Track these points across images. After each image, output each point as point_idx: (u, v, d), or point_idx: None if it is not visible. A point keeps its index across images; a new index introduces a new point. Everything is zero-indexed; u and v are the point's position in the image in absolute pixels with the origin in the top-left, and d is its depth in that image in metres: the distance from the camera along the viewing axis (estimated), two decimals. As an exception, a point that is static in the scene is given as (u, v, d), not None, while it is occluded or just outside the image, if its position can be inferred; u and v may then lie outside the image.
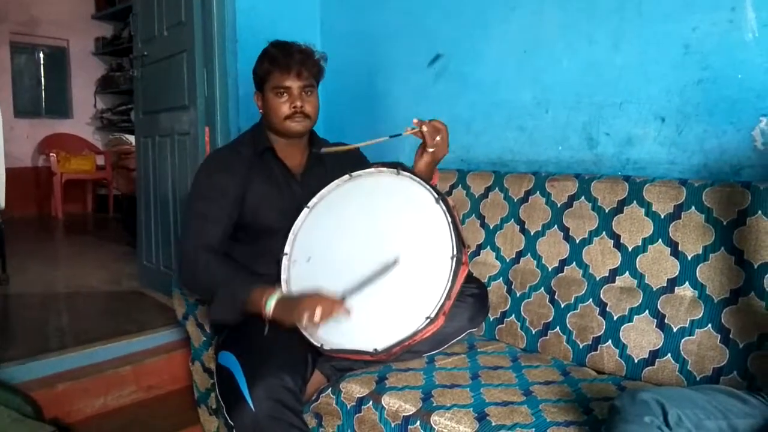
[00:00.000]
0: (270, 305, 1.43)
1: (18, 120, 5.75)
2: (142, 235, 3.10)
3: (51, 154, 5.65)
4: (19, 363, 1.99)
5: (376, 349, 1.42)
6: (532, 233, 1.83)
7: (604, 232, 1.68)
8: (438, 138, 1.57)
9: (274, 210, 1.65)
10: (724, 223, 1.49)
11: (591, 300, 1.66)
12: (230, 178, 1.62)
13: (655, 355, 1.52)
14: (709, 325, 1.46)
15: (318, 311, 1.35)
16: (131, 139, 4.98)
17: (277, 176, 1.69)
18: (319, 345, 1.47)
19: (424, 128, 1.57)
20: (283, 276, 1.56)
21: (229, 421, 1.35)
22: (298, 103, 1.63)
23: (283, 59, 1.61)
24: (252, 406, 1.31)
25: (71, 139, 6.10)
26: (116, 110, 6.12)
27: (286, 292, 1.50)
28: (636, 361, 1.54)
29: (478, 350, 1.71)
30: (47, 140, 5.94)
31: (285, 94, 1.63)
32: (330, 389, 1.52)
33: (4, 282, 3.05)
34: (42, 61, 6.11)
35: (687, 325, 1.49)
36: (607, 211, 1.68)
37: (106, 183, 6.02)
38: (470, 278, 1.73)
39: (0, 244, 3.10)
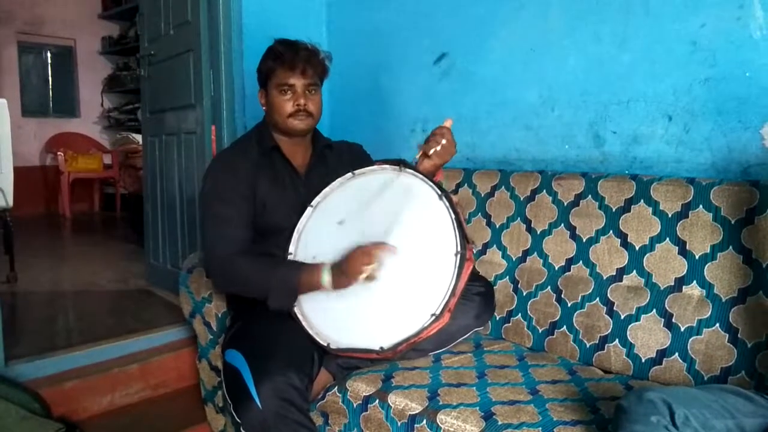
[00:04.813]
0: (326, 279, 1.46)
1: (26, 119, 5.79)
2: (149, 233, 3.11)
3: (58, 153, 5.67)
4: (28, 361, 2.00)
5: (382, 347, 1.42)
6: (538, 232, 1.83)
7: (611, 231, 1.68)
8: (444, 141, 1.56)
9: (281, 209, 1.65)
10: (732, 221, 1.48)
11: (598, 299, 1.66)
12: (240, 180, 1.62)
13: (662, 354, 1.51)
14: (717, 325, 1.45)
15: (370, 266, 1.41)
16: (138, 138, 5.00)
17: (282, 175, 1.69)
18: (325, 344, 1.47)
19: (425, 148, 1.57)
20: None
21: (237, 419, 1.35)
22: (302, 101, 1.63)
23: (289, 57, 1.61)
24: (259, 404, 1.31)
25: (78, 138, 6.12)
26: (123, 109, 6.14)
27: (327, 260, 1.51)
28: (643, 360, 1.54)
29: (485, 349, 1.71)
30: (54, 139, 5.97)
31: (289, 92, 1.64)
32: (336, 388, 1.52)
33: (13, 280, 3.06)
34: (49, 61, 6.13)
35: (694, 325, 1.48)
36: (614, 209, 1.68)
37: (113, 182, 6.04)
38: (476, 277, 1.73)
39: (8, 242, 3.11)
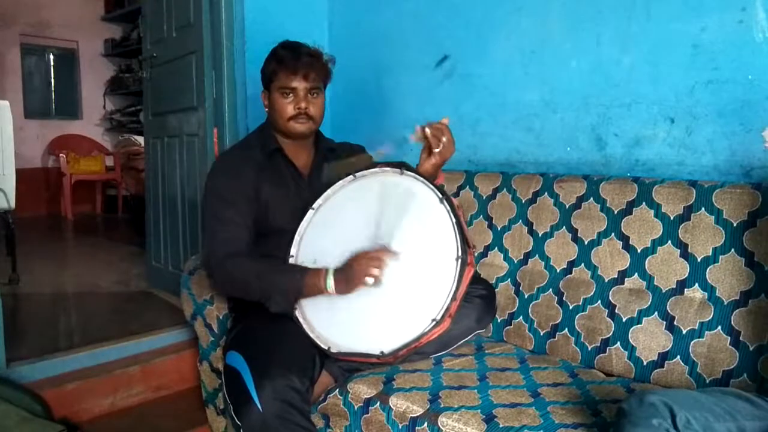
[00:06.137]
0: (330, 284, 1.46)
1: (28, 121, 5.80)
2: (150, 235, 3.11)
3: (61, 154, 5.68)
4: (29, 362, 2.00)
5: (382, 352, 1.42)
6: (540, 234, 1.83)
7: (612, 234, 1.67)
8: (444, 138, 1.55)
9: (284, 211, 1.65)
10: (735, 224, 1.48)
11: (599, 302, 1.65)
12: (243, 182, 1.63)
13: (664, 357, 1.51)
14: (719, 327, 1.45)
15: (374, 270, 1.40)
16: (140, 140, 5.01)
17: (285, 177, 1.70)
18: (326, 347, 1.47)
19: (428, 130, 1.55)
20: None
21: (237, 421, 1.35)
22: (303, 105, 1.63)
23: (291, 61, 1.61)
24: (259, 407, 1.31)
25: (81, 140, 6.14)
26: (125, 111, 6.16)
27: (328, 263, 1.51)
28: (645, 363, 1.54)
29: (486, 351, 1.71)
30: (57, 141, 5.98)
31: (291, 95, 1.64)
32: (337, 390, 1.52)
33: (15, 282, 3.06)
34: (52, 63, 6.15)
35: (696, 327, 1.48)
36: (615, 212, 1.68)
37: (115, 184, 6.05)
38: (478, 279, 1.73)
39: (10, 244, 3.12)
